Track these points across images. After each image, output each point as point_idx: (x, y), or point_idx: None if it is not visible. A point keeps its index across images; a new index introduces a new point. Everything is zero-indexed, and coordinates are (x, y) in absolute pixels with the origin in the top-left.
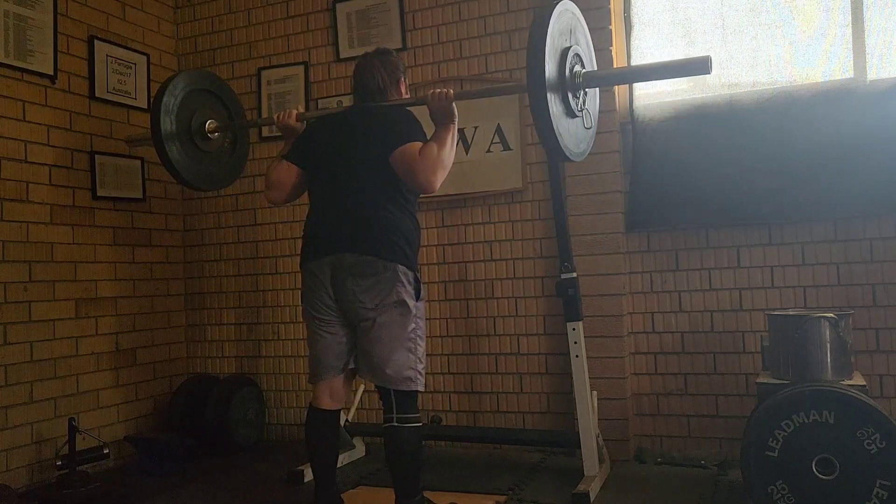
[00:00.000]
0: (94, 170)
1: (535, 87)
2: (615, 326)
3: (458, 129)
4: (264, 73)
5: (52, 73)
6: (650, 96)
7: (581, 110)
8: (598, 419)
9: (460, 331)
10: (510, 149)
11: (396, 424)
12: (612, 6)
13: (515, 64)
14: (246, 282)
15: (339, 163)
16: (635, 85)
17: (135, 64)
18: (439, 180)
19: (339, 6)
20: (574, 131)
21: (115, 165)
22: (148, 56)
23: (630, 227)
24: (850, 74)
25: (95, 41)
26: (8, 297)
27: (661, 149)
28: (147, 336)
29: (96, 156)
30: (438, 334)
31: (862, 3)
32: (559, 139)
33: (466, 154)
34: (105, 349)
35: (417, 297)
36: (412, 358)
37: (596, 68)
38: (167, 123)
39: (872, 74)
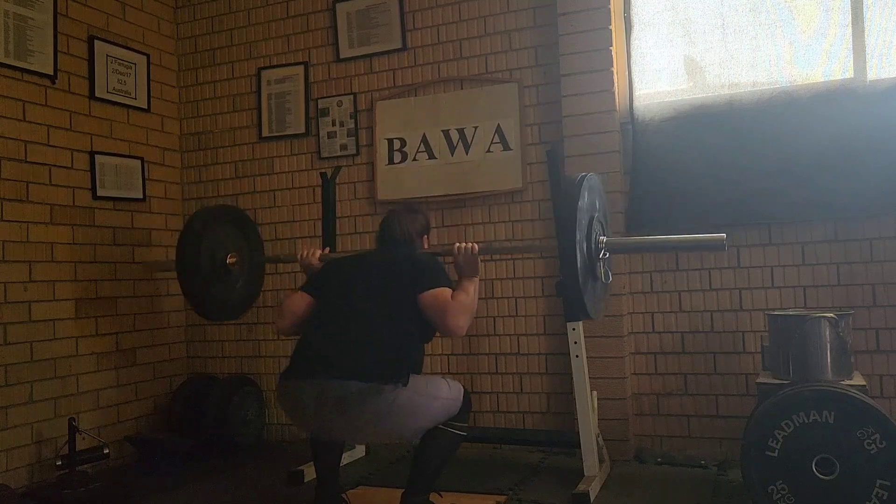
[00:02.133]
0: (94, 170)
1: (567, 266)
2: (615, 326)
3: (459, 129)
4: (264, 73)
5: (52, 73)
6: (650, 96)
7: (605, 275)
8: (598, 419)
9: None
10: (510, 149)
11: (442, 427)
12: (612, 6)
13: (515, 64)
14: None
15: (355, 293)
16: (635, 85)
17: (135, 64)
18: (467, 325)
19: (339, 6)
20: (596, 292)
21: (115, 165)
22: (148, 56)
23: (630, 227)
24: (849, 74)
25: (95, 41)
26: (8, 297)
27: (661, 149)
28: (147, 336)
29: (96, 156)
30: (438, 334)
31: (862, 3)
32: (586, 305)
33: (466, 154)
34: (105, 349)
35: (406, 384)
36: (436, 411)
37: (608, 224)
38: (194, 262)
39: (872, 74)
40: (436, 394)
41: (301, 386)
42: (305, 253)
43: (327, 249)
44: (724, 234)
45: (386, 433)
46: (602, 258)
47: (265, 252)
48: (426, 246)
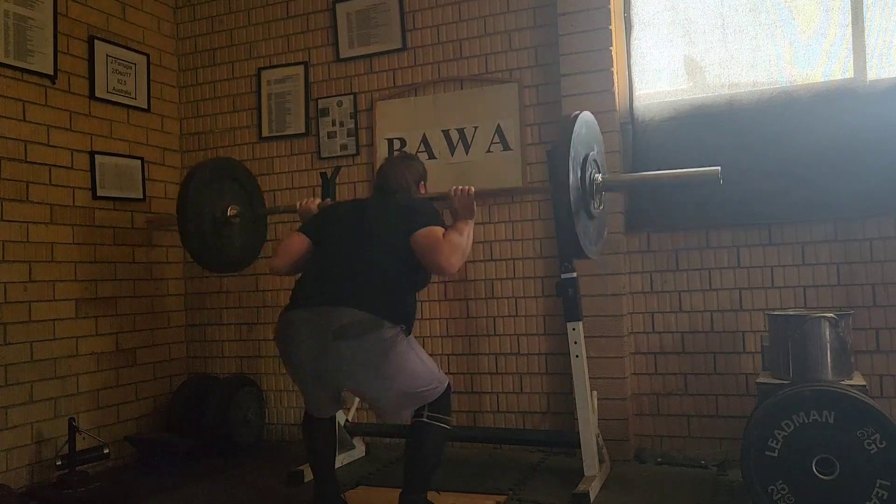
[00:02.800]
0: (94, 170)
1: (560, 198)
2: (615, 326)
3: (459, 129)
4: (264, 73)
5: (52, 73)
6: (650, 96)
7: (598, 209)
8: (598, 419)
9: (460, 331)
10: (510, 149)
11: (426, 420)
12: (612, 6)
13: (515, 64)
14: (246, 282)
15: (350, 236)
16: (635, 85)
17: (135, 64)
18: (458, 264)
19: (339, 6)
20: (591, 230)
21: (115, 165)
22: (148, 56)
23: (630, 227)
24: (849, 74)
25: (95, 41)
26: (8, 297)
27: (661, 149)
28: (147, 336)
29: (96, 156)
30: (438, 334)
31: (862, 3)
32: (581, 243)
33: (466, 154)
34: (105, 349)
35: (408, 335)
36: (425, 374)
37: (605, 165)
38: (194, 213)
39: (872, 74)
40: (427, 363)
41: (300, 314)
42: (304, 202)
43: (328, 200)
44: (719, 167)
45: (374, 376)
46: (597, 196)
47: (265, 206)
48: (423, 192)
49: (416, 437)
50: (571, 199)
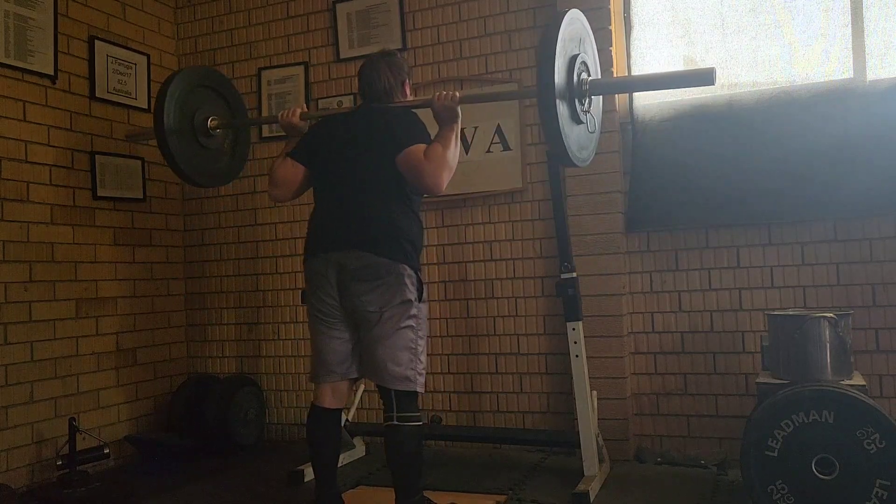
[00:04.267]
0: (95, 170)
1: (544, 92)
2: (615, 326)
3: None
4: (264, 74)
5: (52, 73)
6: (650, 96)
7: (586, 116)
8: (598, 419)
9: (460, 331)
10: (510, 149)
11: (397, 423)
12: (612, 6)
13: (515, 64)
14: (246, 282)
15: (344, 162)
16: None
17: (135, 64)
18: (446, 181)
19: (339, 6)
20: (578, 137)
21: (116, 165)
22: (148, 56)
23: (630, 227)
24: (849, 75)
25: (96, 41)
26: (8, 297)
27: (661, 149)
28: (147, 336)
29: (96, 156)
30: (438, 334)
31: (862, 4)
32: (566, 144)
33: (466, 154)
34: (105, 349)
35: (420, 299)
36: (412, 358)
37: (600, 76)
38: (170, 118)
39: (872, 75)
40: (422, 343)
41: (323, 259)
42: (286, 112)
43: (306, 108)
44: (714, 67)
45: (383, 322)
46: (586, 100)
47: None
48: (408, 91)
49: (393, 441)
50: (556, 93)
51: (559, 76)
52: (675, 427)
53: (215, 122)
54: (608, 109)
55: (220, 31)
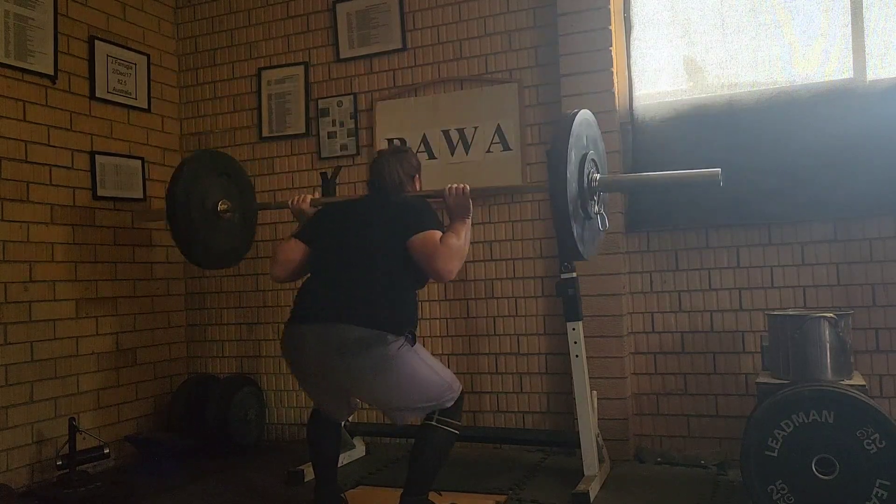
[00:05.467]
0: (95, 170)
1: (557, 197)
2: (615, 326)
3: (459, 129)
4: (264, 74)
5: (52, 73)
6: (650, 96)
7: (596, 213)
8: (598, 419)
9: (460, 331)
10: (510, 149)
11: (435, 423)
12: (612, 6)
13: (515, 64)
14: (246, 282)
15: (349, 241)
16: (635, 85)
17: (135, 64)
18: (456, 269)
19: (339, 6)
20: (587, 232)
21: (116, 165)
22: (148, 56)
23: (630, 227)
24: (849, 75)
25: (95, 41)
26: (8, 297)
27: (661, 149)
28: (147, 336)
29: (96, 156)
30: (438, 334)
31: (862, 3)
32: (578, 243)
33: (466, 154)
34: (105, 349)
35: (413, 343)
36: (430, 385)
37: (605, 164)
38: (183, 207)
39: (872, 75)
40: (437, 370)
41: (303, 331)
42: (297, 199)
43: (317, 194)
44: (719, 169)
45: (382, 387)
46: (595, 197)
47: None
48: (418, 186)
49: (423, 438)
50: (569, 200)
51: (572, 184)
52: (675, 427)
53: (225, 206)
54: (608, 109)
55: (220, 31)
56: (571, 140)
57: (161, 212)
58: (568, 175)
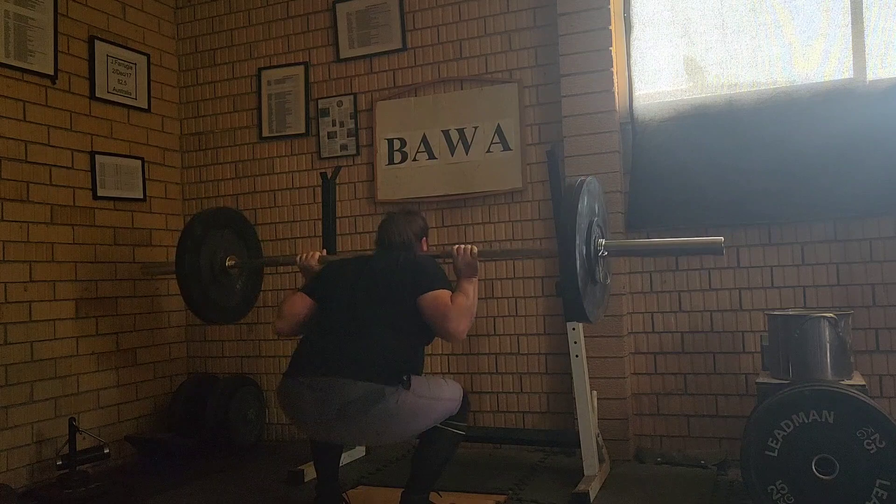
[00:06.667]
0: (95, 170)
1: (568, 272)
2: (615, 326)
3: (459, 129)
4: (264, 74)
5: (52, 73)
6: (650, 96)
7: (604, 278)
8: (598, 419)
9: None
10: (510, 149)
11: (441, 426)
12: (612, 6)
13: (515, 64)
14: None
15: (357, 296)
16: (635, 85)
17: (135, 64)
18: (466, 329)
19: (339, 6)
20: (596, 296)
21: (116, 165)
22: (148, 56)
23: (630, 227)
24: (849, 74)
25: (96, 41)
26: (8, 297)
27: (661, 149)
28: (147, 336)
29: (96, 156)
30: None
31: (862, 3)
32: (586, 309)
33: (466, 154)
34: (105, 349)
35: (409, 386)
36: (437, 412)
37: (608, 227)
38: (192, 266)
39: (872, 74)
40: (438, 394)
41: (302, 384)
42: (304, 256)
43: (325, 251)
44: (722, 238)
45: (388, 436)
46: (601, 260)
47: (263, 254)
48: (425, 248)
49: (429, 439)
50: (579, 278)
51: (580, 255)
52: (675, 427)
53: (233, 262)
54: (608, 110)
55: (220, 31)
56: (579, 210)
57: (168, 266)
58: (577, 246)
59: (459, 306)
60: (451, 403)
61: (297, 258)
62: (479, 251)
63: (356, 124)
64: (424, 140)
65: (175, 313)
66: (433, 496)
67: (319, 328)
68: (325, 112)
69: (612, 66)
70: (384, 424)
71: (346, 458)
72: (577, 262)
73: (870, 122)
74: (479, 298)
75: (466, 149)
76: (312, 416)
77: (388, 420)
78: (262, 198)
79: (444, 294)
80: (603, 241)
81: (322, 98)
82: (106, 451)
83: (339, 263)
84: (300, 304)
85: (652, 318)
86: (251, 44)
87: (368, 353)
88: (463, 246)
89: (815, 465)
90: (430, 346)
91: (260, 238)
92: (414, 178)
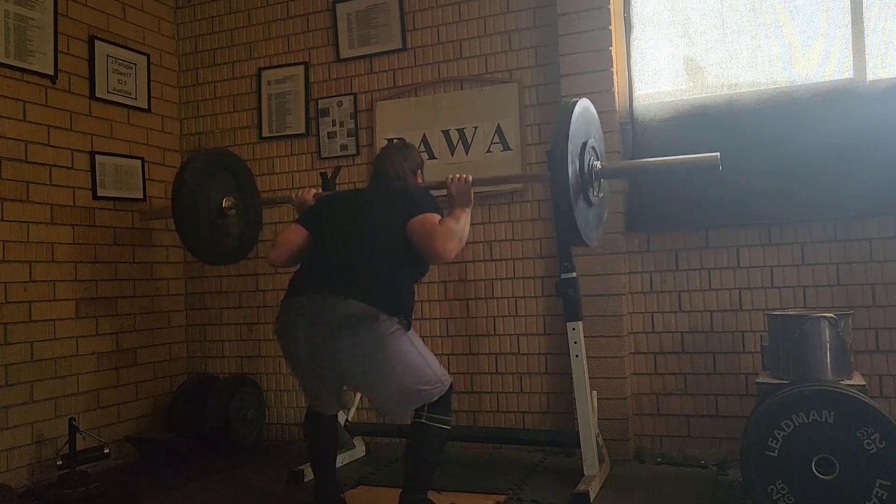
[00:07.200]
0: (95, 170)
1: (559, 185)
2: (615, 326)
3: (459, 129)
4: (264, 74)
5: (52, 73)
6: (650, 96)
7: (597, 197)
8: (598, 419)
9: (460, 331)
10: (510, 149)
11: (425, 422)
12: (612, 6)
13: (515, 64)
14: (246, 282)
15: (350, 226)
16: (635, 85)
17: (135, 64)
18: (454, 251)
19: (339, 6)
20: (591, 218)
21: (116, 165)
22: (148, 56)
23: (630, 227)
24: (849, 74)
25: (96, 41)
26: (8, 297)
27: (661, 149)
28: (147, 336)
29: (96, 156)
30: (438, 334)
31: (862, 3)
32: (581, 230)
33: (466, 154)
34: (105, 349)
35: (408, 329)
36: (421, 373)
37: (604, 152)
38: (189, 205)
39: (872, 74)
40: (428, 360)
41: (298, 302)
42: (300, 192)
43: (320, 189)
44: (718, 153)
45: (373, 374)
46: (596, 184)
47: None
48: (420, 181)
49: (416, 438)
50: (570, 188)
51: (573, 170)
52: (675, 427)
53: (230, 203)
54: (608, 109)
55: (220, 31)
56: (572, 127)
57: (164, 210)
58: (569, 165)
59: (447, 227)
60: (436, 380)
61: (293, 194)
62: (472, 179)
63: (356, 124)
64: (424, 140)
65: (175, 313)
66: (433, 495)
67: (314, 254)
68: (325, 112)
69: (612, 66)
70: (373, 353)
71: (346, 458)
72: (571, 180)
73: (870, 122)
74: (479, 298)
75: (466, 149)
76: (305, 334)
77: (377, 348)
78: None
79: (432, 216)
80: (598, 164)
81: (322, 98)
82: (106, 451)
83: (334, 196)
84: (294, 234)
85: (652, 318)
86: (251, 44)
87: (365, 277)
88: (457, 174)
89: (815, 465)
90: (429, 344)
91: (261, 238)
92: None
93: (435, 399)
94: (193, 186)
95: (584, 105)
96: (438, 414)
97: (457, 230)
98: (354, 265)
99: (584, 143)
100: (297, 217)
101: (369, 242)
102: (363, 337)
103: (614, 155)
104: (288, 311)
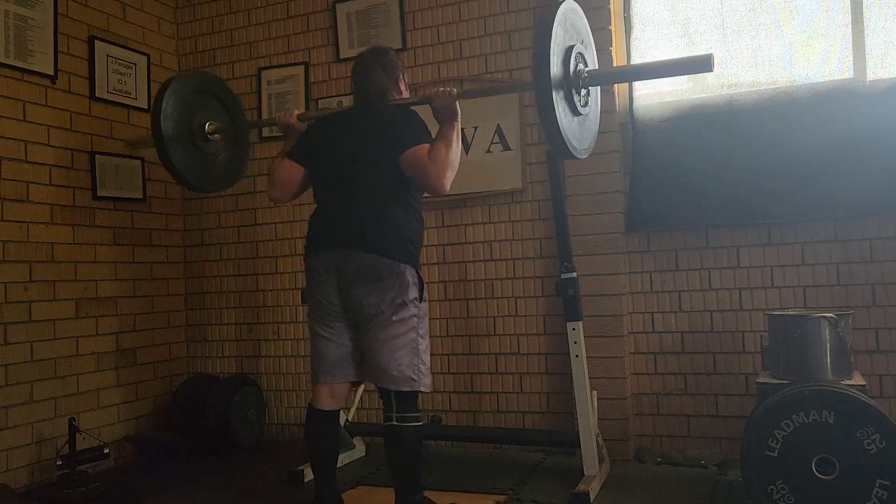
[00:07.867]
0: (95, 170)
1: (541, 85)
2: (615, 326)
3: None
4: (264, 74)
5: (52, 73)
6: (650, 96)
7: (585, 108)
8: (598, 419)
9: (460, 331)
10: (510, 149)
11: (396, 423)
12: (612, 6)
13: (515, 64)
14: (246, 282)
15: (343, 162)
16: (635, 85)
17: (135, 64)
18: (450, 181)
19: (339, 6)
20: (578, 129)
21: (116, 165)
22: (148, 56)
23: (630, 227)
24: (849, 75)
25: (96, 41)
26: (8, 297)
27: (661, 149)
28: (147, 336)
29: (96, 156)
30: (438, 334)
31: (862, 3)
32: (564, 136)
33: (466, 154)
34: (105, 349)
35: (421, 298)
36: (415, 358)
37: (598, 67)
38: (168, 126)
39: (872, 75)
40: (424, 342)
41: (318, 259)
42: (284, 114)
43: (304, 110)
44: (712, 53)
45: (385, 327)
46: (584, 94)
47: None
48: (403, 88)
49: (391, 442)
50: (552, 85)
51: (556, 67)
52: (675, 427)
53: (213, 127)
54: (608, 110)
55: (220, 31)
56: (554, 28)
57: (147, 138)
58: (553, 66)
59: (439, 158)
60: (421, 366)
61: (277, 116)
62: (457, 92)
63: None
64: None
65: (175, 313)
66: (432, 496)
67: (319, 204)
68: None
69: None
70: (391, 295)
71: (346, 458)
72: (553, 85)
73: (870, 122)
74: (479, 298)
75: (466, 149)
76: (332, 281)
77: (395, 291)
78: (262, 198)
79: (422, 150)
80: (585, 69)
81: (322, 98)
82: (106, 451)
83: (321, 124)
84: (290, 170)
85: (652, 318)
86: (251, 44)
87: (370, 228)
88: (441, 88)
89: (815, 465)
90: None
91: (260, 238)
92: None
93: (402, 398)
94: (174, 111)
95: (570, 6)
96: (406, 412)
97: (449, 158)
98: (358, 215)
99: (570, 48)
100: (288, 150)
101: (366, 185)
102: (388, 283)
103: (614, 155)
104: (316, 265)
